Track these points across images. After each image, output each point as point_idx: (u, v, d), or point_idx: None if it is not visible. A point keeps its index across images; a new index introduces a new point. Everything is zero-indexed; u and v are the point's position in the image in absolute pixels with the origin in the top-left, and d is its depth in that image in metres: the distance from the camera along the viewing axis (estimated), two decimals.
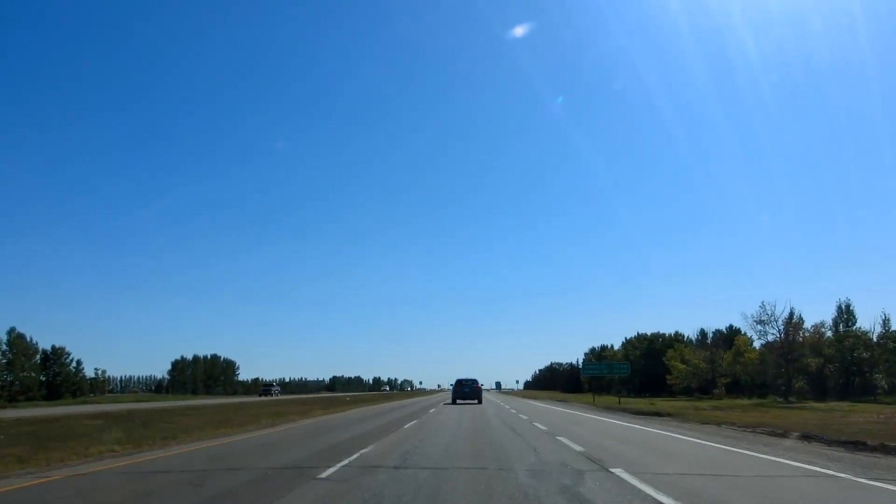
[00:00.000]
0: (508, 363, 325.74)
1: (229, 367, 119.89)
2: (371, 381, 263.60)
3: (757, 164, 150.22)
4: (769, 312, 47.12)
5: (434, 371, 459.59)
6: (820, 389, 50.04)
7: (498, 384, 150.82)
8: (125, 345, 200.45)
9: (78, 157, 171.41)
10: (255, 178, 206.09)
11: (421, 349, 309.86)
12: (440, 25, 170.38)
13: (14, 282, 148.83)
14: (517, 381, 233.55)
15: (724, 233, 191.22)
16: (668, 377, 64.05)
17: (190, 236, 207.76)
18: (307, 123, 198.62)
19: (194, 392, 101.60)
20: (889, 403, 39.09)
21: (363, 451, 12.45)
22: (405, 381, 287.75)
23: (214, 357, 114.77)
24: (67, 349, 75.03)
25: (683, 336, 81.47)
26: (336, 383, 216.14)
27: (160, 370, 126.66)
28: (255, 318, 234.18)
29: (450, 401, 45.45)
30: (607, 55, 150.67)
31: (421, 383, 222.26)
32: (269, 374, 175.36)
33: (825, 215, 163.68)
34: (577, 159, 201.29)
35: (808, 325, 51.06)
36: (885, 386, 49.30)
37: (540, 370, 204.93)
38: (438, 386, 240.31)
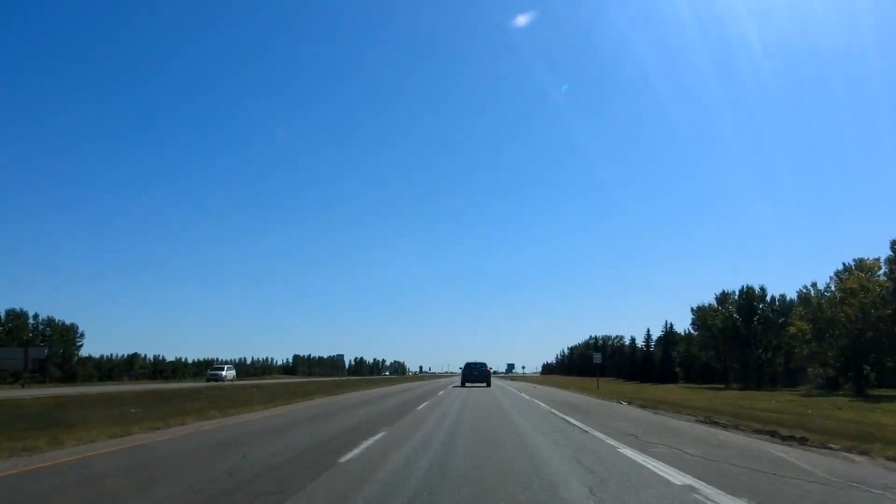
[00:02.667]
0: (520, 346, 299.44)
1: (63, 335, 70.02)
2: (353, 363, 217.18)
3: (759, 153, 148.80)
4: None
5: (437, 354, 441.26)
6: None
7: (510, 367, 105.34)
8: None
9: (75, 144, 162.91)
10: (257, 164, 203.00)
11: (421, 332, 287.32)
12: (443, 14, 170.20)
13: None
14: (545, 363, 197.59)
15: (725, 220, 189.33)
16: None
17: (179, 223, 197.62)
18: (309, 111, 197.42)
19: None
20: None
21: None
22: (395, 362, 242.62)
23: (12, 314, 64.50)
24: None
25: None
26: (300, 364, 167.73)
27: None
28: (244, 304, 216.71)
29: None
30: (610, 44, 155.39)
31: (427, 367, 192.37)
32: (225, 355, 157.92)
33: (827, 204, 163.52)
34: (581, 146, 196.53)
35: None
36: None
37: (570, 348, 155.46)
38: (421, 369, 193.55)
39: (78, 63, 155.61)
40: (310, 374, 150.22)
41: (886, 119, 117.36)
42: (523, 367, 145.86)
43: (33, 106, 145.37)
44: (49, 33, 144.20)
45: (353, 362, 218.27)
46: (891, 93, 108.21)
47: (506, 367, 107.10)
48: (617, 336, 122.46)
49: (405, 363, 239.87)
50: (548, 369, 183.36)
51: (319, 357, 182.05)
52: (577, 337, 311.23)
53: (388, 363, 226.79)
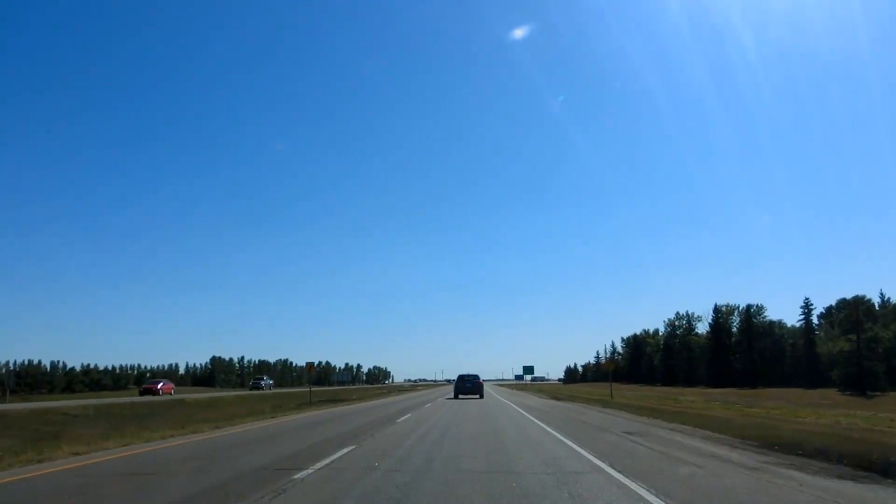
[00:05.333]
0: (538, 350, 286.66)
1: None
2: (319, 369, 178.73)
3: (757, 163, 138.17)
4: None
5: (435, 362, 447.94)
6: None
7: (528, 370, 68.57)
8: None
9: (77, 153, 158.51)
10: (254, 174, 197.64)
11: (421, 340, 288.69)
12: (442, 26, 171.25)
13: None
14: (574, 366, 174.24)
15: (723, 229, 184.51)
16: None
17: (175, 232, 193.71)
18: (309, 122, 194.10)
19: None
20: None
21: None
22: (376, 367, 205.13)
23: None
24: None
25: None
26: (220, 370, 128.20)
27: None
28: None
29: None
30: (607, 55, 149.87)
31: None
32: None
33: (826, 213, 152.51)
34: (577, 156, 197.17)
35: None
36: None
37: (628, 339, 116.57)
38: (405, 380, 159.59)
39: (76, 72, 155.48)
40: (241, 385, 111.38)
41: (885, 128, 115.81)
42: (527, 371, 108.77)
43: (30, 113, 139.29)
44: (48, 41, 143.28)
45: (318, 369, 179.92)
46: (889, 102, 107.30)
47: (520, 370, 69.91)
48: (756, 305, 76.16)
49: (387, 368, 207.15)
50: (574, 376, 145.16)
51: (262, 361, 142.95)
52: (597, 341, 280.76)
53: (359, 370, 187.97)
